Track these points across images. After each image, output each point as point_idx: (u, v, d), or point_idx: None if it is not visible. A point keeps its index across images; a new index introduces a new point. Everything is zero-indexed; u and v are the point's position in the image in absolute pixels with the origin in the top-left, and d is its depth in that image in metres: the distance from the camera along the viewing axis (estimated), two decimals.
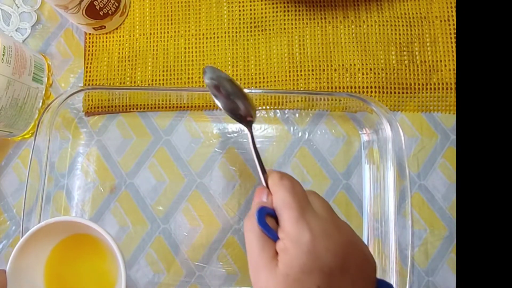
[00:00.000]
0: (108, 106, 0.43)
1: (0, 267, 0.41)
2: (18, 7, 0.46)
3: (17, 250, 0.31)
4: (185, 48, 0.44)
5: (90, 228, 0.31)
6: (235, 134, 0.42)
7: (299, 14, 0.44)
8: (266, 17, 0.44)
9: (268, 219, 0.24)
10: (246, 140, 0.42)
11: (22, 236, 0.36)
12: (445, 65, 0.42)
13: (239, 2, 0.45)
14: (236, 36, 0.44)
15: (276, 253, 0.23)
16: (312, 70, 0.43)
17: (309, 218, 0.23)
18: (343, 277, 0.22)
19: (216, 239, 0.40)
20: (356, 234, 0.25)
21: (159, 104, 0.43)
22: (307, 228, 0.22)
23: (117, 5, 0.42)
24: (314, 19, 0.44)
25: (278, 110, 0.43)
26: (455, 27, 0.43)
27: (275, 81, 0.43)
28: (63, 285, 0.34)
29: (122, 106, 0.43)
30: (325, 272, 0.22)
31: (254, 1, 0.45)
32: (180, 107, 0.43)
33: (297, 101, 0.42)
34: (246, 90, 0.41)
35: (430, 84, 0.42)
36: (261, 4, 0.45)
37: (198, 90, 0.43)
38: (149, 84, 0.44)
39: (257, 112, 0.43)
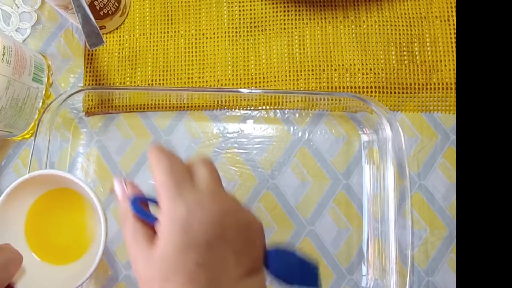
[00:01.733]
0: (108, 106, 0.43)
1: None
2: (18, 7, 0.46)
3: (1, 201, 0.32)
4: (185, 48, 0.44)
5: (72, 182, 0.32)
6: (235, 134, 0.42)
7: (299, 14, 0.44)
8: (266, 17, 0.44)
9: (145, 206, 0.24)
10: (246, 140, 0.42)
11: None
12: (445, 65, 0.42)
13: (239, 2, 0.45)
14: (236, 36, 0.44)
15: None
16: (312, 70, 0.43)
17: (185, 194, 0.22)
18: (223, 247, 0.21)
19: None
20: (237, 201, 0.24)
21: (159, 104, 0.43)
22: (180, 204, 0.21)
23: (117, 5, 0.42)
24: (314, 19, 0.44)
25: (278, 110, 0.43)
26: (455, 27, 0.43)
27: (275, 81, 0.43)
28: (42, 237, 0.35)
29: (122, 106, 0.43)
30: (202, 246, 0.21)
31: (254, 1, 0.45)
32: (180, 107, 0.43)
33: (297, 101, 0.42)
34: (246, 90, 0.41)
35: (430, 84, 0.42)
36: (261, 4, 0.45)
37: (198, 90, 0.43)
38: (149, 84, 0.44)
39: (257, 112, 0.43)
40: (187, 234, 0.21)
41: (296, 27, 0.44)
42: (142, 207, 0.24)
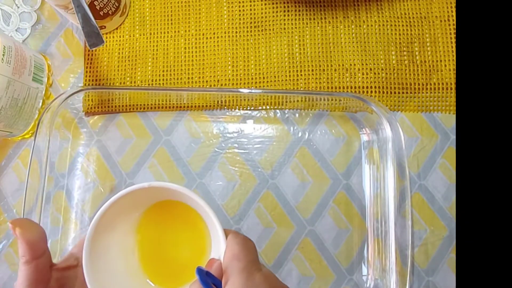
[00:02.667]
0: (108, 106, 0.43)
1: (0, 268, 0.42)
2: (18, 7, 0.46)
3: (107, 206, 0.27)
4: (185, 48, 0.44)
5: (182, 194, 0.28)
6: (235, 134, 0.42)
7: (299, 14, 0.44)
8: (266, 17, 0.44)
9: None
10: (246, 140, 0.42)
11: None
12: (445, 65, 0.42)
13: (239, 2, 0.45)
14: (236, 36, 0.44)
15: None
16: (312, 70, 0.43)
17: (254, 271, 0.23)
18: None
19: None
20: None
21: (159, 104, 0.43)
22: (250, 280, 0.23)
23: (117, 5, 0.42)
24: (314, 19, 0.44)
25: (278, 110, 0.43)
26: (455, 27, 0.43)
27: (275, 81, 0.43)
28: (155, 257, 0.31)
29: (122, 106, 0.43)
30: None
31: (254, 1, 0.45)
32: (180, 107, 0.43)
33: (297, 101, 0.42)
34: (246, 90, 0.41)
35: (430, 84, 0.42)
36: (261, 4, 0.45)
37: (198, 90, 0.43)
38: (149, 84, 0.44)
39: (257, 112, 0.43)
40: None
41: (296, 27, 0.44)
42: (206, 276, 0.24)
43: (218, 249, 0.27)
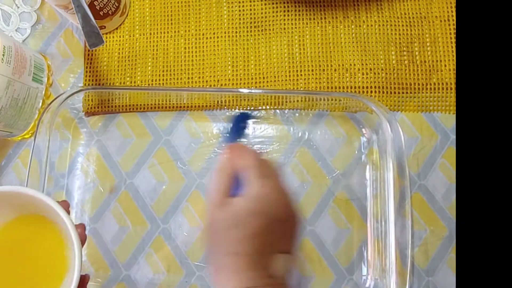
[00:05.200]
0: (108, 106, 0.43)
1: None
2: (18, 7, 0.46)
3: None
4: (185, 48, 0.44)
5: (43, 205, 0.28)
6: None
7: (299, 14, 0.44)
8: (266, 17, 0.44)
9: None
10: (246, 140, 0.42)
11: None
12: (445, 65, 0.42)
13: (239, 2, 0.45)
14: (236, 36, 0.44)
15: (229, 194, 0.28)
16: (312, 70, 0.43)
17: (266, 178, 0.28)
18: (277, 225, 0.27)
19: None
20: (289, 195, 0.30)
21: (159, 104, 0.43)
22: (265, 183, 0.28)
23: (117, 5, 0.42)
24: (314, 19, 0.44)
25: (278, 110, 0.43)
26: (455, 27, 0.43)
27: (275, 81, 0.43)
28: (12, 269, 0.30)
29: (122, 106, 0.43)
30: (269, 218, 0.27)
31: (254, 1, 0.45)
32: (180, 107, 0.43)
33: (297, 101, 0.42)
34: (246, 90, 0.41)
35: (430, 84, 0.42)
36: (261, 4, 0.45)
37: (198, 90, 0.43)
38: (149, 84, 0.44)
39: (257, 112, 0.43)
40: (263, 206, 0.27)
41: (296, 27, 0.44)
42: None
43: (72, 277, 0.26)
